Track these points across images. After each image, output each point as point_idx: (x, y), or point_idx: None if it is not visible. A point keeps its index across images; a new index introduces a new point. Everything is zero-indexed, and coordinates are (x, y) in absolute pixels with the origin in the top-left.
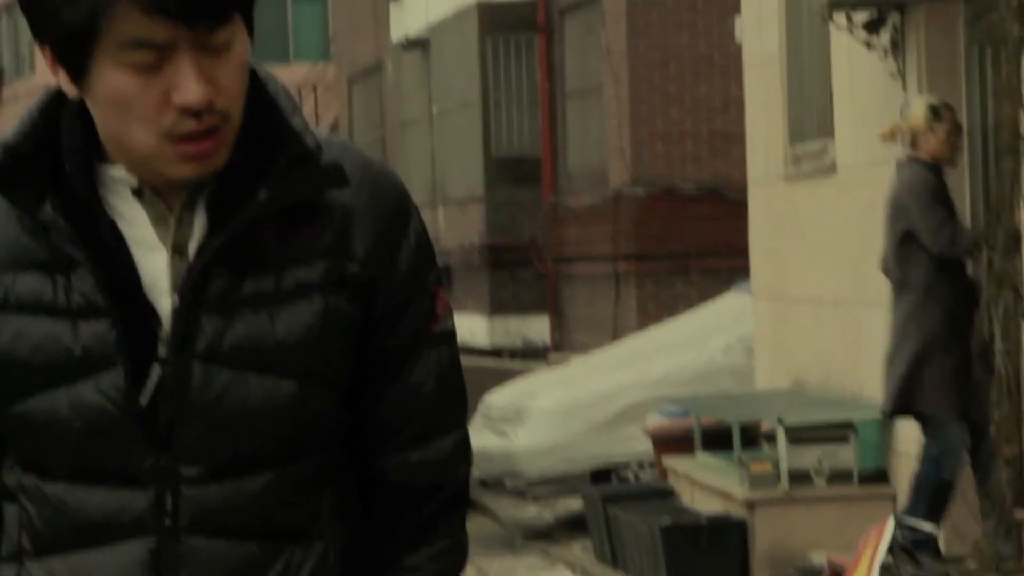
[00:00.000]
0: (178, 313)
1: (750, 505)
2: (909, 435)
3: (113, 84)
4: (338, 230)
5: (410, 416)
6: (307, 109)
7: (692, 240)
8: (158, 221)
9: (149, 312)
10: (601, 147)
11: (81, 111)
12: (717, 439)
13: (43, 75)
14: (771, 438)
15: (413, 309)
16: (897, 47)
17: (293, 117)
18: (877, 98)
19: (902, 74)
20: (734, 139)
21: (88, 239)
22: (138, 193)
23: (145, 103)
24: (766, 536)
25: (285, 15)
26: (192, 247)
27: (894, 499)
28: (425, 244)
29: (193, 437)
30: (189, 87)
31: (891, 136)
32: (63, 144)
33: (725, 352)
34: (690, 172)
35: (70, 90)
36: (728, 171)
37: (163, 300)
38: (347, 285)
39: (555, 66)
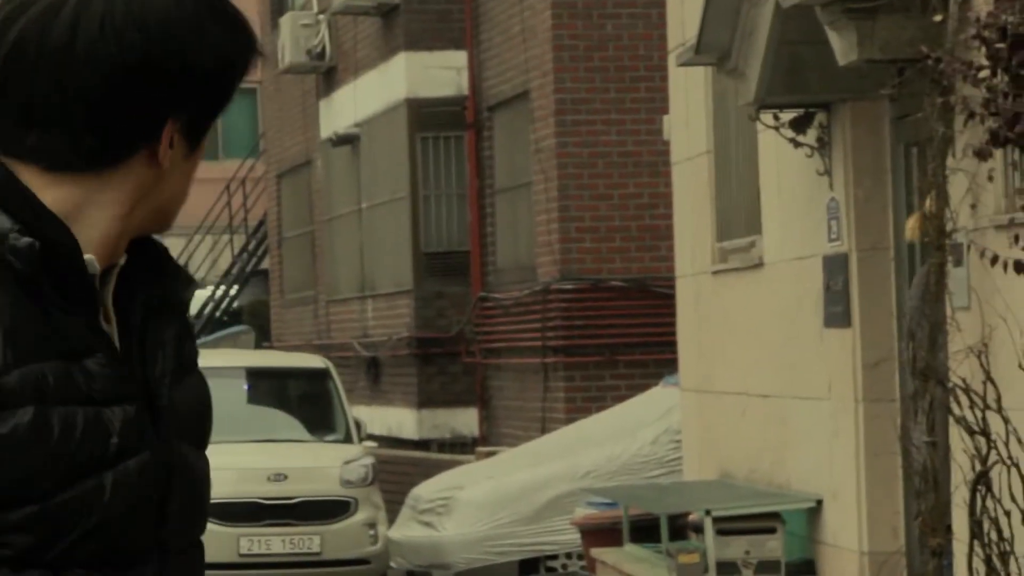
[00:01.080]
0: (148, 394)
1: None
2: (836, 526)
3: (202, 152)
4: (185, 314)
5: None
6: (235, 204)
7: (620, 333)
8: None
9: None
10: (530, 242)
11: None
12: (645, 530)
13: None
14: (699, 529)
15: None
16: (824, 144)
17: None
18: (804, 195)
19: (829, 171)
20: (662, 234)
21: (92, 324)
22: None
23: None
24: None
25: None
26: (114, 333)
27: None
28: None
29: (178, 513)
30: None
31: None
32: (49, 230)
33: (653, 444)
34: (618, 267)
35: (166, 163)
36: (656, 266)
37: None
38: (197, 362)
39: (484, 162)
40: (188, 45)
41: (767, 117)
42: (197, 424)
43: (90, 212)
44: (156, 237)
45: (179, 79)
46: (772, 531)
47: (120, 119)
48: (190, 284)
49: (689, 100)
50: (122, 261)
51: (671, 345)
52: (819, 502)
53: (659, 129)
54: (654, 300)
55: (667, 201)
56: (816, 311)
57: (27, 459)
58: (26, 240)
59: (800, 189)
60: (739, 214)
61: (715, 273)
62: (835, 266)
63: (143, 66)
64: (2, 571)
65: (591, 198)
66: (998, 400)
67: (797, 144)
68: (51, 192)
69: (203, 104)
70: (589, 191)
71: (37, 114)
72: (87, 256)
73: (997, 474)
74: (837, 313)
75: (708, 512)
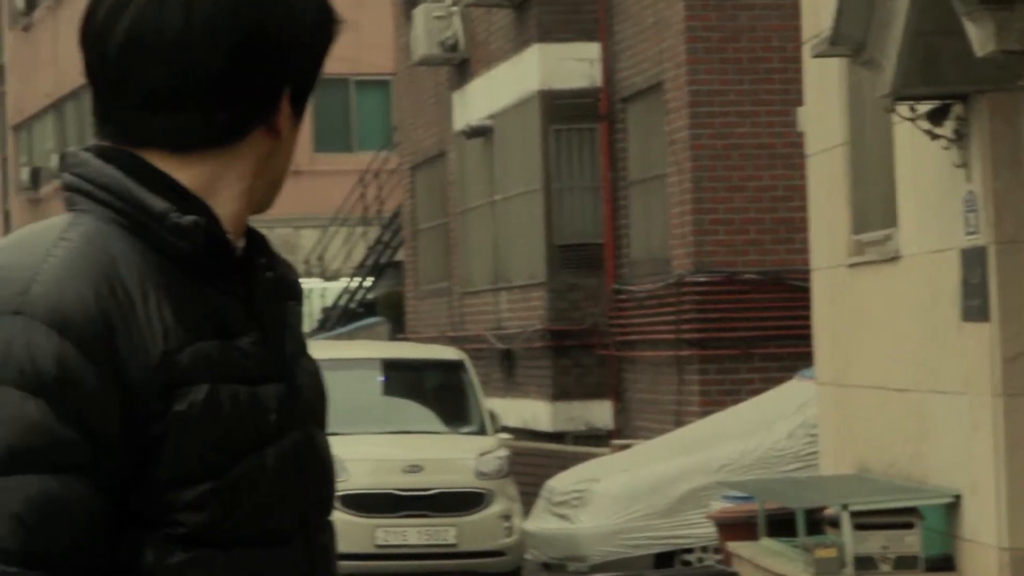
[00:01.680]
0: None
1: None
2: (975, 522)
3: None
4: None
5: None
6: (370, 196)
7: (755, 326)
8: None
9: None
10: (664, 234)
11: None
12: (781, 524)
13: None
14: (836, 523)
15: None
16: (961, 136)
17: None
18: (941, 187)
19: (966, 163)
20: (796, 227)
21: (245, 305)
22: None
23: None
24: None
25: (348, 105)
26: None
27: None
28: None
29: (315, 489)
30: None
31: None
32: (193, 211)
33: (789, 438)
34: (752, 259)
35: (272, 142)
36: (791, 258)
37: None
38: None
39: (617, 154)
40: (293, 10)
41: (903, 109)
42: (318, 404)
43: (219, 190)
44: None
45: (289, 45)
46: (910, 526)
47: (245, 92)
48: (292, 268)
49: (824, 91)
50: (242, 243)
51: (806, 338)
52: (957, 497)
53: (793, 121)
54: (789, 293)
55: (802, 193)
56: (953, 305)
57: (203, 436)
58: (190, 218)
59: (937, 181)
60: (875, 207)
61: (851, 266)
62: (973, 259)
63: (261, 36)
64: (175, 549)
65: (725, 190)
66: None
67: (934, 136)
68: (181, 174)
69: (307, 70)
70: (723, 183)
71: (163, 99)
72: (231, 237)
73: None
74: (975, 307)
75: (845, 506)
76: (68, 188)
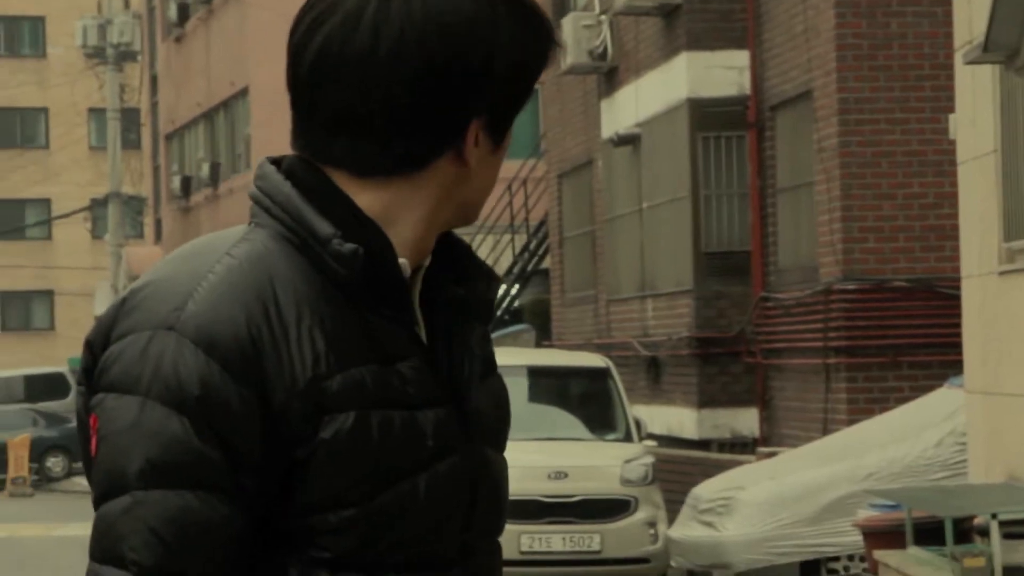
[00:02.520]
0: (458, 399)
1: None
2: None
3: (507, 144)
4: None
5: None
6: (517, 204)
7: (904, 334)
8: None
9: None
10: (811, 242)
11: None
12: (929, 533)
13: None
14: (984, 532)
15: None
16: None
17: None
18: None
19: None
20: (947, 234)
21: (408, 330)
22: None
23: None
24: None
25: None
26: (420, 332)
27: None
28: None
29: (482, 517)
30: None
31: None
32: (364, 233)
33: (938, 446)
34: (902, 267)
35: (474, 159)
36: (941, 266)
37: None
38: (495, 362)
39: (765, 161)
40: (487, 43)
41: None
42: (498, 426)
43: (399, 215)
44: (458, 234)
45: (481, 78)
46: None
47: (426, 122)
48: (492, 282)
49: (976, 98)
50: (427, 262)
51: (956, 347)
52: None
53: (945, 128)
54: (939, 301)
55: (952, 200)
56: None
57: (349, 463)
58: (350, 246)
59: None
60: None
61: (1002, 273)
62: None
63: (445, 68)
64: (320, 573)
65: (874, 197)
66: None
67: None
68: (362, 197)
69: (505, 100)
70: (872, 190)
71: (345, 122)
72: (401, 260)
73: None
74: None
75: (994, 515)
76: (252, 199)
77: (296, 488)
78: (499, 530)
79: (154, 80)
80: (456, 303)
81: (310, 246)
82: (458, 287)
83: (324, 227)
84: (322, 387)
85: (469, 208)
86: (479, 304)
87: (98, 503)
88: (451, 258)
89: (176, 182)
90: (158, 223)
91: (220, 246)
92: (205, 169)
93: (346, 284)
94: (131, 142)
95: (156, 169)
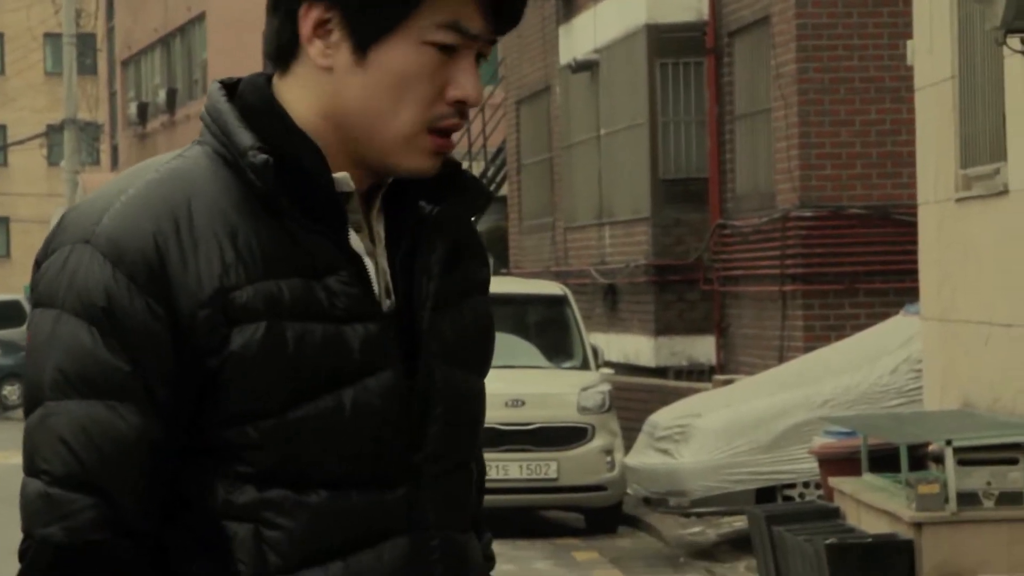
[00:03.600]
0: (401, 315)
1: (917, 526)
2: None
3: (407, 60)
4: (466, 235)
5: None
6: (474, 131)
7: (860, 261)
8: (356, 227)
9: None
10: (769, 169)
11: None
12: (884, 460)
13: None
14: (939, 459)
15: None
16: None
17: None
18: None
19: None
20: (904, 161)
21: (338, 243)
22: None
23: (426, 87)
24: (933, 557)
25: None
26: (381, 254)
27: None
28: None
29: (437, 437)
30: (471, 83)
31: None
32: (290, 148)
33: (893, 373)
34: (859, 194)
35: (322, 61)
36: (897, 192)
37: (384, 303)
38: (486, 290)
39: (723, 88)
40: None
41: (1014, 41)
42: (473, 348)
43: (304, 117)
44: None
45: None
46: (1014, 462)
47: (272, 2)
48: (476, 199)
49: (933, 24)
50: (389, 180)
51: (912, 273)
52: None
53: (902, 54)
54: (895, 228)
55: (909, 127)
56: None
57: (262, 374)
58: (262, 157)
59: None
60: (984, 140)
61: (958, 200)
62: None
63: None
64: (246, 488)
65: (832, 124)
66: None
67: None
68: (290, 103)
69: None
70: (830, 117)
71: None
72: (340, 174)
73: None
74: None
75: (949, 442)
76: (200, 119)
77: (213, 400)
78: (462, 452)
79: (110, 5)
80: (422, 221)
81: (236, 159)
82: (434, 205)
83: (244, 139)
84: (229, 297)
85: (362, 137)
86: (448, 221)
87: (25, 416)
88: (441, 177)
89: (132, 108)
90: (114, 149)
91: (154, 163)
92: (162, 95)
93: (268, 196)
94: (87, 68)
95: (112, 95)
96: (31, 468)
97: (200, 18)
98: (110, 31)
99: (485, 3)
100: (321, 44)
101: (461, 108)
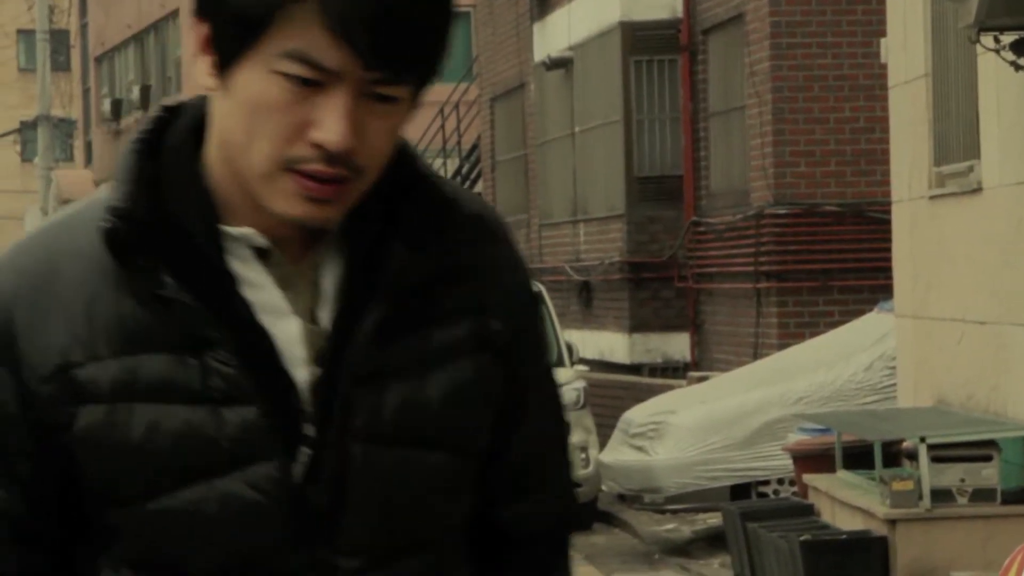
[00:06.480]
0: (324, 387)
1: (891, 523)
2: None
3: (257, 87)
4: (474, 284)
5: (530, 463)
6: (449, 128)
7: (834, 259)
8: (284, 284)
9: (287, 387)
10: (743, 166)
11: (188, 144)
12: (858, 457)
13: (190, 94)
14: (913, 456)
15: (533, 352)
16: None
17: (438, 180)
18: None
19: None
20: (878, 159)
21: (218, 312)
22: (261, 254)
23: (280, 121)
24: (907, 554)
25: None
26: (324, 313)
27: None
28: (529, 278)
29: (354, 526)
30: (333, 126)
31: None
32: (175, 199)
33: (867, 370)
34: (833, 191)
35: (207, 81)
36: (871, 190)
37: (299, 372)
38: (491, 343)
39: (698, 86)
40: None
41: (987, 39)
42: (442, 420)
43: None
44: (450, 189)
45: None
46: (988, 459)
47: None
48: (471, 241)
49: (907, 22)
50: (336, 226)
51: (886, 271)
52: None
53: (876, 52)
54: (869, 225)
55: (883, 125)
56: None
57: (107, 459)
58: (104, 223)
59: (1020, 113)
60: (957, 138)
61: (932, 198)
62: None
63: None
64: (124, 572)
65: (806, 122)
66: None
67: (1018, 67)
68: None
69: (222, 15)
70: (804, 115)
71: None
72: (242, 229)
73: None
74: None
75: (923, 439)
76: None
77: (76, 480)
78: (420, 533)
79: (83, 1)
80: (406, 274)
81: None
82: (404, 248)
83: (111, 196)
84: (70, 375)
85: (229, 157)
86: (400, 272)
87: None
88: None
89: (106, 105)
90: (88, 146)
91: (73, 204)
92: (135, 92)
93: (123, 263)
94: (60, 64)
95: (86, 92)
96: None
97: (174, 15)
98: (83, 27)
99: (345, 35)
100: (207, 62)
101: (325, 153)
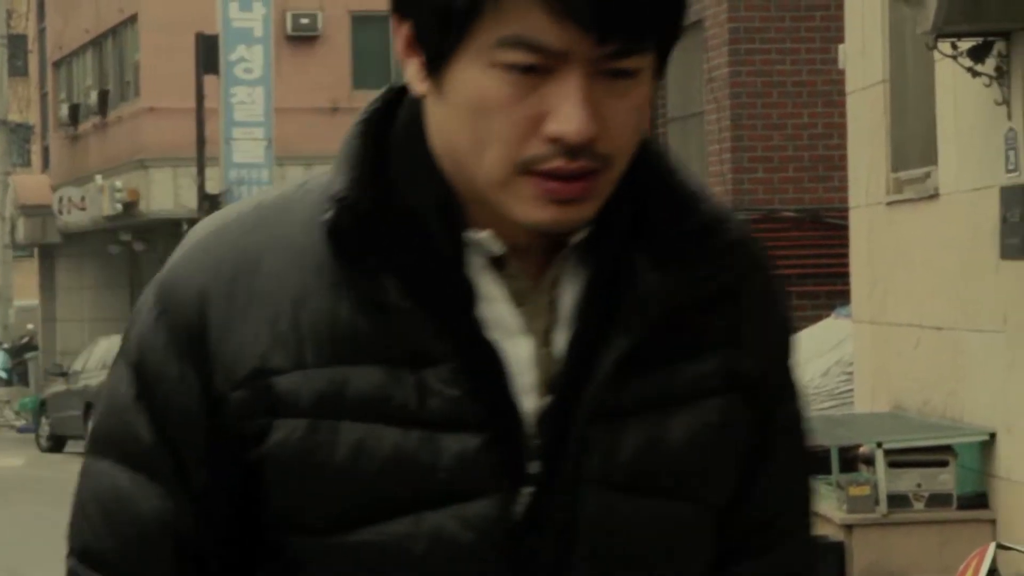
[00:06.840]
0: (554, 420)
1: (848, 528)
2: (1010, 460)
3: (476, 85)
4: (729, 313)
5: (772, 518)
6: None
7: (792, 264)
8: (518, 299)
9: (512, 416)
10: (701, 172)
11: (415, 137)
12: (815, 462)
13: (149, 99)
14: (870, 461)
15: (787, 394)
16: (1003, 74)
17: (687, 177)
18: (981, 125)
19: (1007, 101)
20: (836, 165)
21: (443, 325)
22: (497, 263)
23: (509, 119)
24: (864, 559)
25: (387, 40)
26: (559, 335)
27: (994, 523)
28: (790, 313)
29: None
30: (571, 114)
31: None
32: (410, 193)
33: (824, 376)
34: (791, 197)
35: (418, 85)
36: (829, 196)
37: (527, 400)
38: (741, 382)
39: (656, 91)
40: None
41: (945, 46)
42: (685, 468)
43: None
44: (718, 208)
45: None
46: (944, 464)
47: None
48: (711, 274)
49: (865, 29)
50: (580, 236)
51: (843, 276)
52: (992, 435)
53: (834, 58)
54: (827, 231)
55: (841, 131)
56: (992, 243)
57: (300, 483)
58: (328, 215)
59: (977, 119)
60: (915, 144)
61: (889, 204)
62: (1012, 197)
63: None
64: None
65: (764, 128)
66: None
67: (975, 74)
68: None
69: (429, 11)
70: (762, 121)
71: None
72: (481, 233)
73: None
74: (1014, 245)
75: (879, 444)
76: None
77: (260, 499)
78: None
79: (41, 6)
80: (663, 301)
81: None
82: (657, 269)
83: (335, 184)
84: (268, 383)
85: (459, 166)
86: (655, 300)
87: None
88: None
89: (64, 110)
90: (46, 151)
91: (274, 190)
92: (93, 97)
93: (343, 262)
94: (18, 69)
95: (44, 96)
96: (68, 533)
97: (132, 19)
98: (41, 32)
99: (567, 8)
100: (416, 64)
101: (565, 146)
